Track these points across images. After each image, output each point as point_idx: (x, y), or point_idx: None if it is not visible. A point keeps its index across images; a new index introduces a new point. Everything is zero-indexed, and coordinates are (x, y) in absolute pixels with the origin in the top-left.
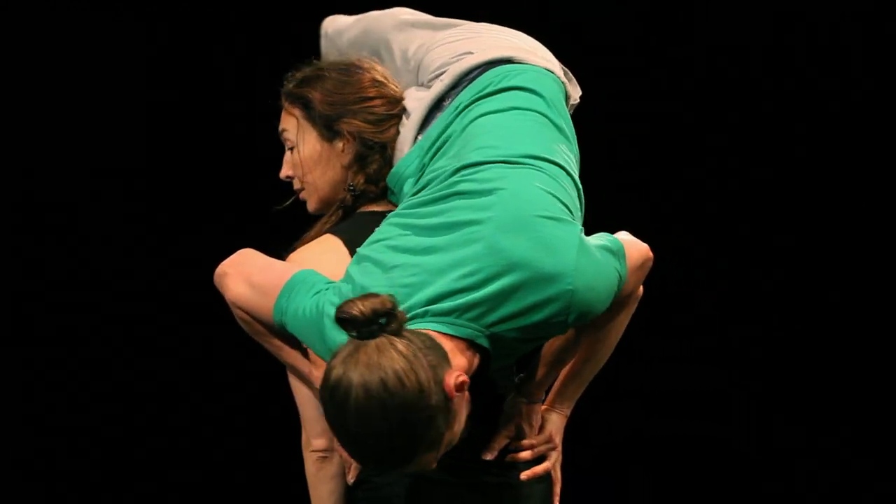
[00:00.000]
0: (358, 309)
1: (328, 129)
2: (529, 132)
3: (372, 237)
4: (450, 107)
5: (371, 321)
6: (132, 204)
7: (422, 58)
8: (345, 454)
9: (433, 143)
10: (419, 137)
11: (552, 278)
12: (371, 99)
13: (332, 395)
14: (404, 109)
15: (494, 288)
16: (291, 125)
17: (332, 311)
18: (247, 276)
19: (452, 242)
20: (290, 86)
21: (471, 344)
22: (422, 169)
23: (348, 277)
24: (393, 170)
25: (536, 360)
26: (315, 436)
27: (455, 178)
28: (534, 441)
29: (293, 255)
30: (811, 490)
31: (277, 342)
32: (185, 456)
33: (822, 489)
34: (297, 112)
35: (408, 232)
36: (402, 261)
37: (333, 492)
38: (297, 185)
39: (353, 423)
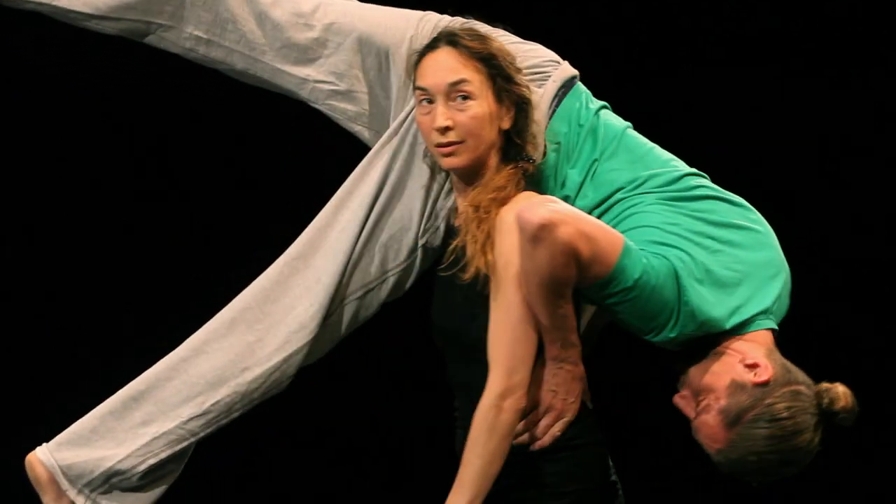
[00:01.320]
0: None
1: (505, 91)
2: None
3: (658, 218)
4: (572, 112)
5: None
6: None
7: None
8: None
9: (595, 144)
10: None
11: (789, 283)
12: (522, 72)
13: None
14: None
15: (786, 287)
16: (475, 78)
17: (688, 283)
18: (583, 228)
19: (748, 242)
20: (468, 38)
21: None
22: (588, 163)
23: (677, 252)
24: (553, 159)
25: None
26: (524, 388)
27: (690, 183)
28: None
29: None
30: None
31: (568, 293)
32: None
33: None
34: (477, 66)
35: (697, 222)
36: (719, 248)
37: (510, 446)
38: (454, 137)
39: (762, 458)
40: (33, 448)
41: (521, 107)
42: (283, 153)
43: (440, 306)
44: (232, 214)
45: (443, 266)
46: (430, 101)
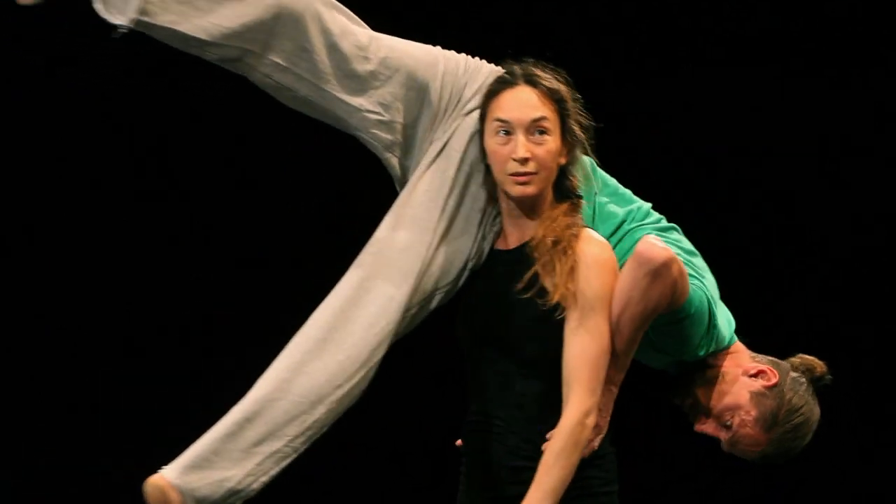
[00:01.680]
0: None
1: (569, 131)
2: None
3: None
4: None
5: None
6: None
7: (464, 82)
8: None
9: (588, 179)
10: None
11: None
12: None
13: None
14: None
15: None
16: (551, 116)
17: (714, 308)
18: (681, 266)
19: (704, 266)
20: (546, 80)
21: None
22: (592, 197)
23: (696, 280)
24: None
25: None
26: (598, 407)
27: (655, 216)
28: None
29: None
30: None
31: (650, 318)
32: None
33: None
34: (553, 106)
35: (683, 252)
36: (702, 274)
37: None
38: (532, 168)
39: (798, 442)
40: (32, 447)
41: (575, 145)
42: (283, 153)
43: (492, 320)
44: (232, 214)
45: (520, 289)
46: (508, 133)
